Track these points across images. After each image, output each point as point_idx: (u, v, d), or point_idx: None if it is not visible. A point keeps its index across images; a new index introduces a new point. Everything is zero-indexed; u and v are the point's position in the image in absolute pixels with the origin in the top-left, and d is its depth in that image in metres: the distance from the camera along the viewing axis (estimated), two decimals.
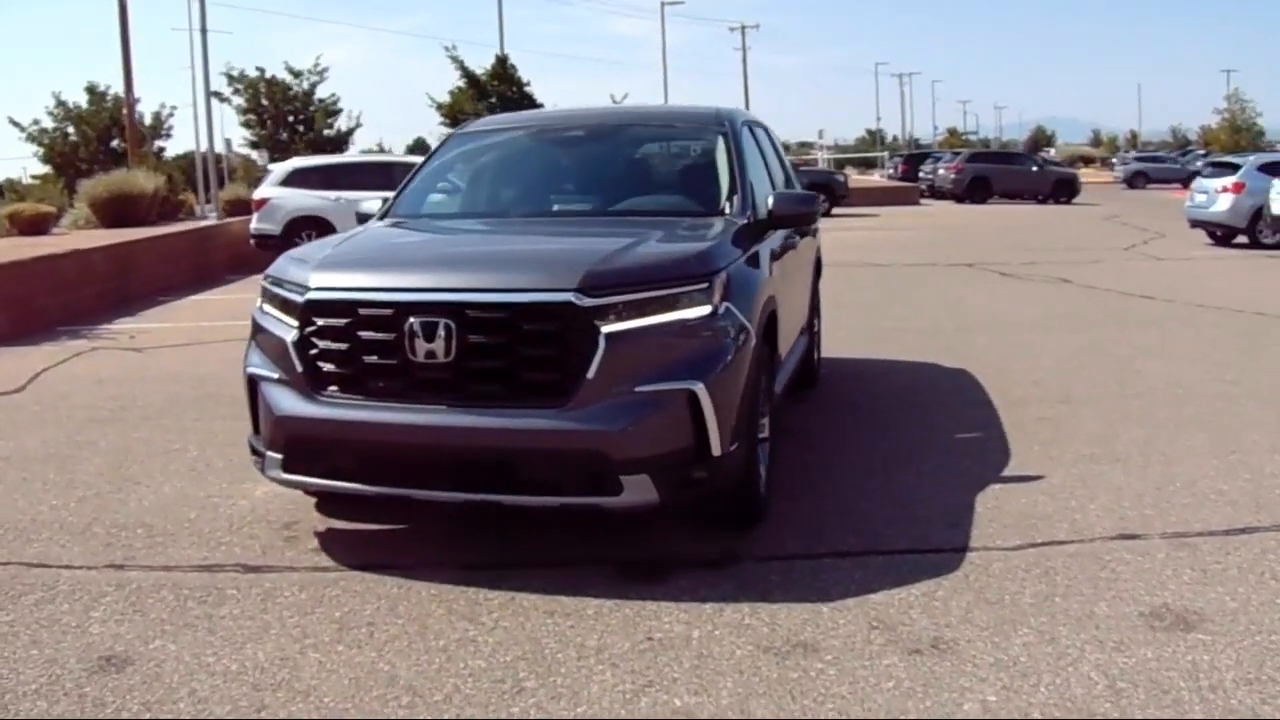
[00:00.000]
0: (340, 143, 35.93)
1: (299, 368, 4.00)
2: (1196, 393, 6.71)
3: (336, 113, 36.44)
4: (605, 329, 3.72)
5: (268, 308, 4.31)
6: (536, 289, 3.81)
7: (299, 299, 4.05)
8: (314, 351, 4.01)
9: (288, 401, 4.04)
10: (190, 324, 11.00)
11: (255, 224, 16.57)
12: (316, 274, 4.09)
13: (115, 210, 18.83)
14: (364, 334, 3.90)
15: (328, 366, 3.99)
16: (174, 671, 3.23)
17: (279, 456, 4.09)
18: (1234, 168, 17.92)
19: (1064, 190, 34.61)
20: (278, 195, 16.47)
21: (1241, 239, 17.07)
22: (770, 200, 5.00)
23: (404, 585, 3.87)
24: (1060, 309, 10.63)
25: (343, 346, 3.95)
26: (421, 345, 3.79)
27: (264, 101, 34.12)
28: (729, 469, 3.93)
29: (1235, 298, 11.08)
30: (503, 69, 31.07)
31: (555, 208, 5.32)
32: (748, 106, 60.04)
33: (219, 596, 3.82)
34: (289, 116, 34.75)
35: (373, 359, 3.90)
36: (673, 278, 3.88)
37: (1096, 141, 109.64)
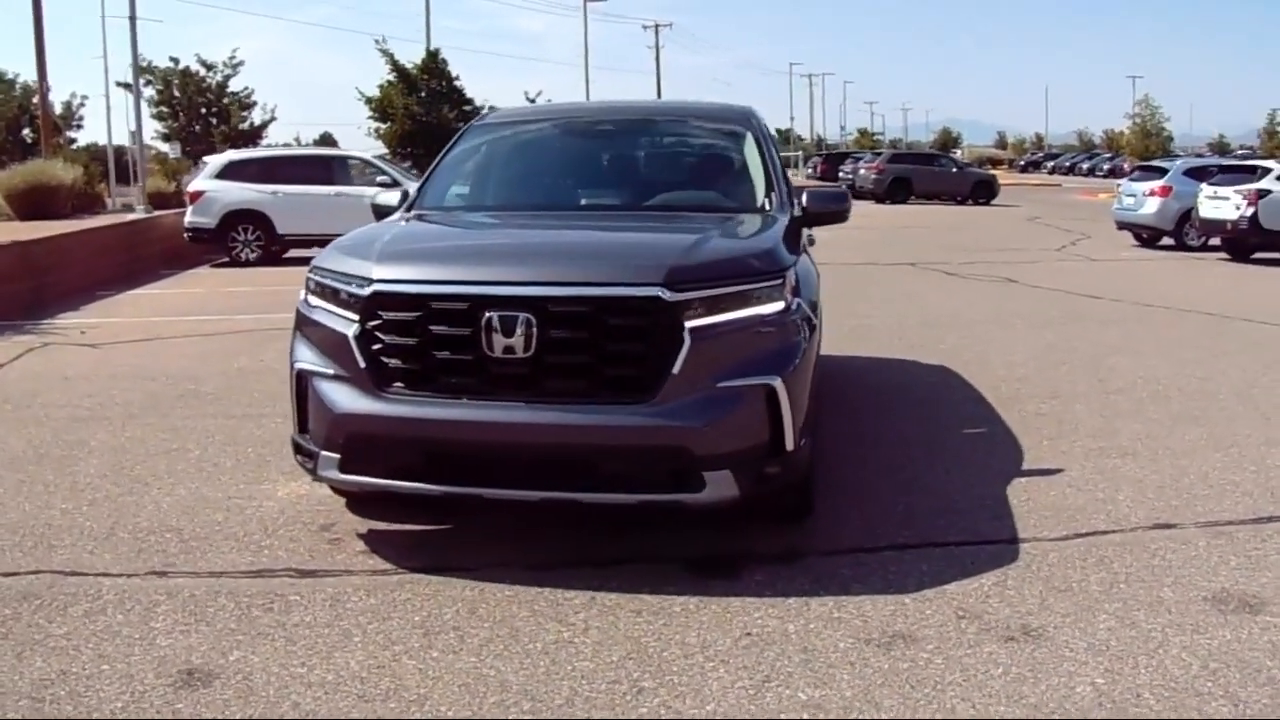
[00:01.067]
0: (254, 136, 35.02)
1: (361, 363, 3.88)
2: (1175, 389, 7.00)
3: (251, 106, 35.52)
4: (689, 324, 3.71)
5: (317, 300, 4.18)
6: (623, 283, 3.77)
7: (361, 292, 3.93)
8: (378, 346, 3.89)
9: (347, 399, 3.92)
10: (136, 319, 10.60)
11: (190, 217, 16.02)
12: (381, 266, 3.97)
13: (32, 201, 18.02)
14: (436, 328, 3.81)
15: (393, 362, 3.88)
16: (266, 684, 3.12)
17: (335, 456, 3.96)
18: (1161, 172, 18.76)
19: (983, 191, 35.67)
20: (213, 188, 15.94)
21: (1167, 241, 17.87)
22: (804, 198, 5.06)
23: (475, 587, 3.80)
24: (1013, 307, 10.96)
25: (411, 341, 3.85)
26: (500, 340, 3.72)
27: (176, 93, 33.03)
28: (799, 463, 3.96)
29: (1178, 298, 11.59)
30: (434, 63, 30.56)
31: (595, 201, 5.26)
32: None
33: (284, 603, 3.70)
34: (202, 109, 33.73)
35: (445, 354, 3.81)
36: (751, 273, 3.89)
37: (1002, 144, 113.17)
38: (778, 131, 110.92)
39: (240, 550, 4.22)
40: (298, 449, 4.22)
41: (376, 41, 30.12)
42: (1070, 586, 3.74)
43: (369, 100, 30.03)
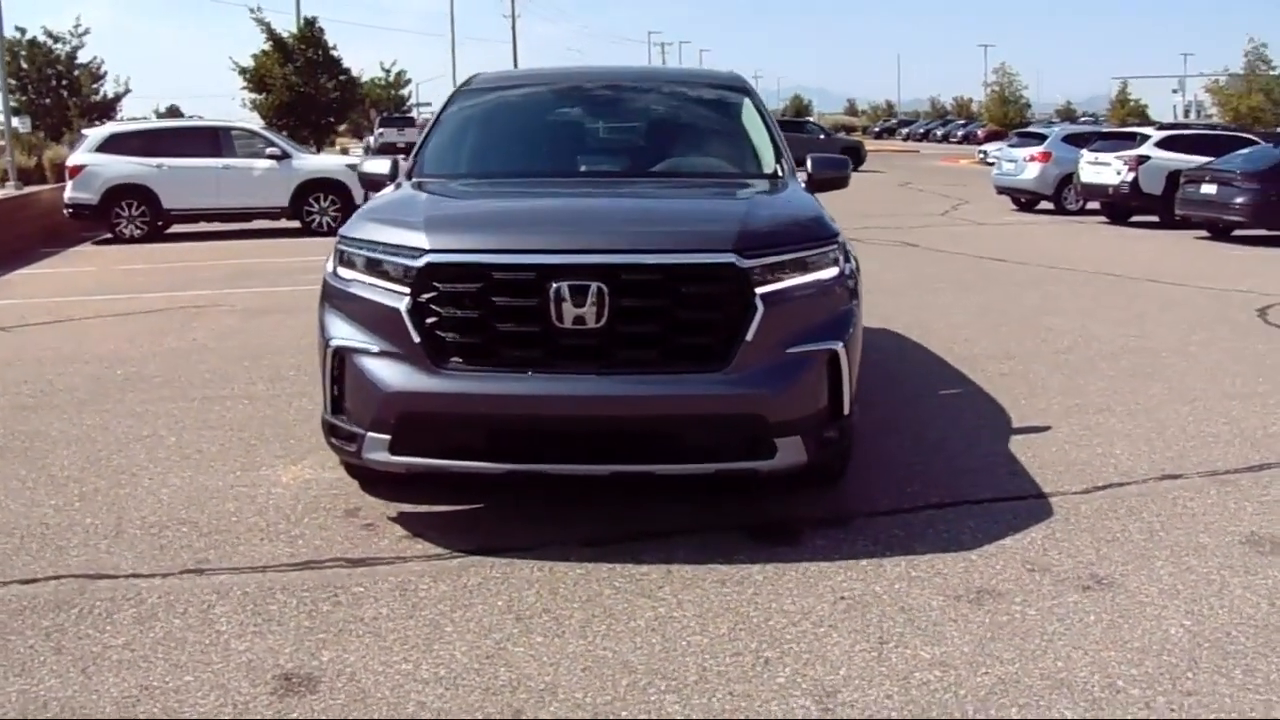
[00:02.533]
0: (108, 109, 32.95)
1: (415, 338, 3.72)
2: (1117, 347, 7.40)
3: (101, 77, 33.36)
4: (759, 290, 3.71)
5: (352, 273, 3.98)
6: (697, 249, 3.73)
7: (412, 263, 3.76)
8: (433, 320, 3.74)
9: (399, 376, 3.75)
10: (38, 300, 9.87)
11: (70, 193, 14.95)
12: (434, 235, 3.79)
13: None
14: (499, 299, 3.69)
15: (451, 336, 3.74)
16: (377, 685, 2.96)
17: (384, 438, 3.80)
18: (1040, 138, 19.75)
19: (852, 157, 36.61)
20: (94, 162, 14.91)
21: (1046, 205, 18.83)
22: (810, 163, 5.09)
23: (543, 567, 3.72)
24: (928, 271, 11.36)
25: (472, 314, 3.71)
26: (570, 310, 3.62)
27: (24, 65, 30.72)
28: (851, 428, 4.03)
29: (1078, 259, 12.25)
30: (310, 31, 29.27)
31: (612, 168, 5.17)
32: None
33: (350, 596, 3.53)
34: (52, 81, 31.52)
35: (509, 326, 3.69)
36: (810, 238, 3.91)
37: (853, 111, 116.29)
38: None
39: (272, 541, 4.01)
40: (333, 431, 4.03)
41: (251, 11, 28.63)
42: (1115, 537, 3.94)
43: (243, 71, 28.55)
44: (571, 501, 4.31)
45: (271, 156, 15.54)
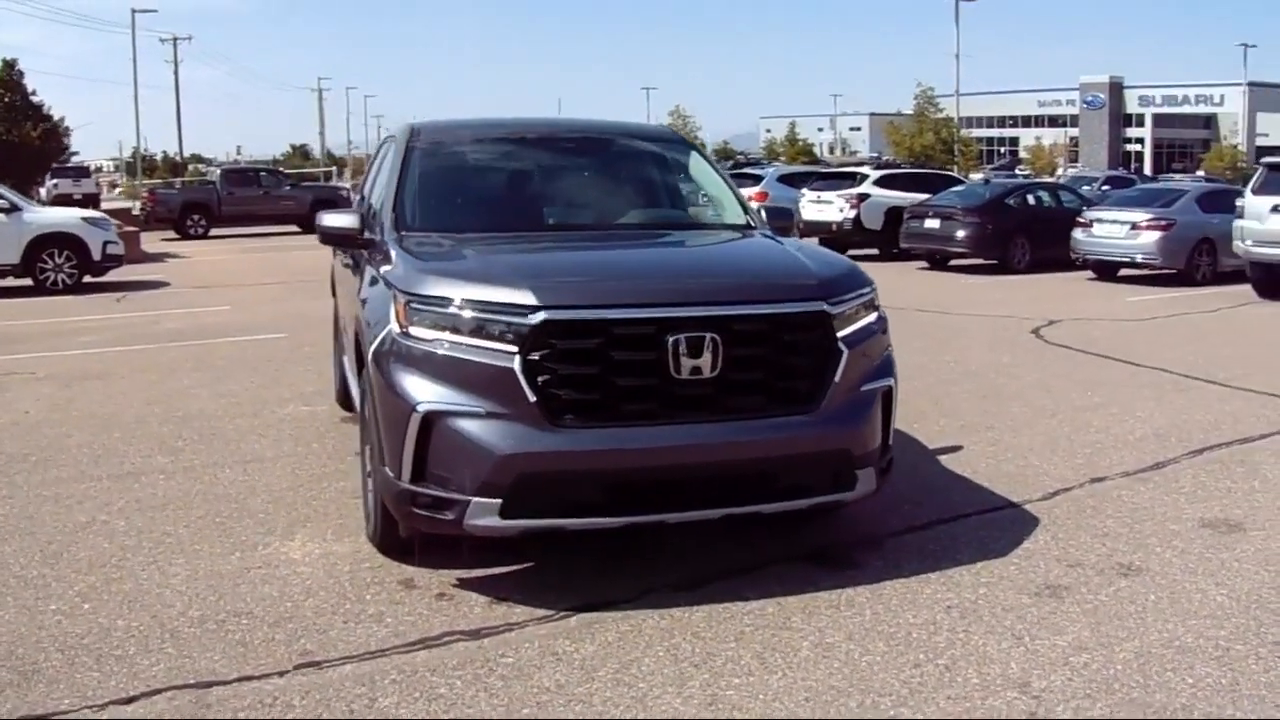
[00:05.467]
0: None
1: (531, 397, 3.73)
2: (951, 373, 8.42)
3: None
4: (839, 334, 4.07)
5: (435, 333, 3.87)
6: (794, 299, 4.03)
7: (522, 320, 3.76)
8: (545, 378, 3.76)
9: (513, 437, 3.73)
10: None
11: None
12: (545, 293, 3.81)
13: None
14: (618, 354, 3.78)
15: (566, 392, 3.77)
16: None
17: (493, 502, 3.76)
18: (756, 179, 21.57)
19: None
20: None
21: None
22: (762, 214, 5.52)
23: (664, 615, 3.84)
24: None
25: (590, 370, 3.78)
26: (687, 362, 3.79)
27: None
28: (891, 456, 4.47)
29: None
30: (10, 75, 26.04)
31: (615, 220, 5.31)
32: (179, 121, 55.17)
33: (509, 669, 3.44)
34: None
35: (627, 380, 3.80)
36: (861, 285, 4.32)
37: None
38: (291, 147, 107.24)
39: (358, 623, 3.80)
40: (416, 501, 3.88)
41: None
42: (1106, 532, 4.66)
43: None
44: (619, 551, 4.41)
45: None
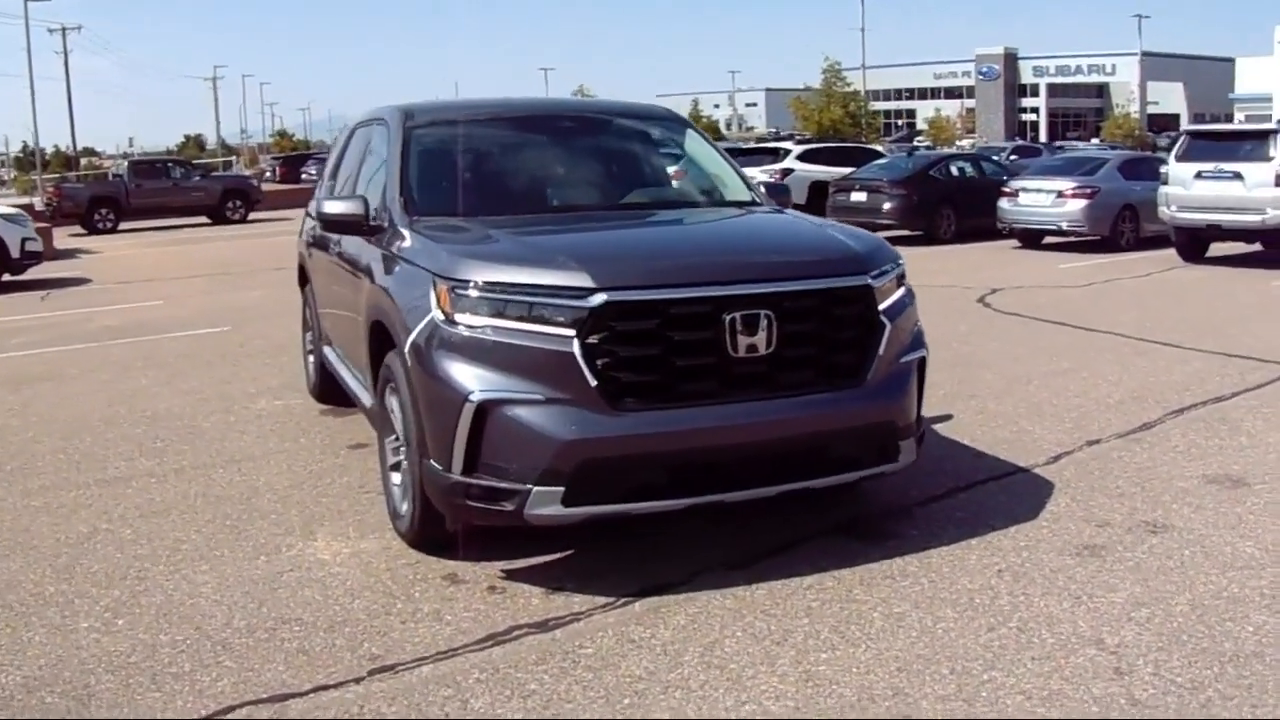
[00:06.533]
0: None
1: (592, 381, 3.67)
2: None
3: None
4: (880, 307, 4.12)
5: (481, 319, 3.78)
6: (840, 274, 4.05)
7: (581, 303, 3.69)
8: (605, 361, 3.71)
9: (575, 423, 3.68)
10: None
11: None
12: (601, 274, 3.74)
13: None
14: (677, 334, 3.75)
15: (626, 375, 3.73)
16: None
17: (555, 490, 3.70)
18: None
19: None
20: None
21: None
22: (762, 189, 5.55)
23: (727, 594, 3.85)
24: None
25: (649, 351, 3.74)
26: (744, 340, 3.78)
27: None
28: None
29: None
30: None
31: (631, 199, 5.25)
32: (71, 114, 52.57)
33: (593, 658, 3.41)
34: None
35: (686, 360, 3.77)
36: (891, 259, 4.36)
37: None
38: (185, 137, 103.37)
39: (417, 623, 3.71)
40: (470, 493, 3.80)
41: None
42: (1120, 492, 4.83)
43: None
44: (653, 531, 4.37)
45: None
